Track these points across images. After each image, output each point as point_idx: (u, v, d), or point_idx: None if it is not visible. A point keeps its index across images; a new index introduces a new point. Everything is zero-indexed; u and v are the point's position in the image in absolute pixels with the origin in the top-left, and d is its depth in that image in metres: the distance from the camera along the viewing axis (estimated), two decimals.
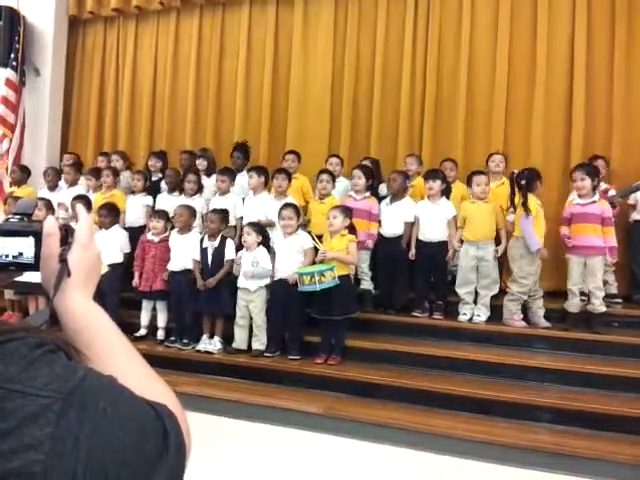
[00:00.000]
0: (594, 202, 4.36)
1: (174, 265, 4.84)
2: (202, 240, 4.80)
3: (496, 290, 4.59)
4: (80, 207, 0.79)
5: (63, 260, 0.69)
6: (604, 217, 4.33)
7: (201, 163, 5.96)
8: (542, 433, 3.52)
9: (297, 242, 4.55)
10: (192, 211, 5.04)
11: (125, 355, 0.67)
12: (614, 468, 3.12)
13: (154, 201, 5.75)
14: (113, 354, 0.66)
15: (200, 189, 5.56)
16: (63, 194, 5.84)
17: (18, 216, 0.73)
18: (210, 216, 4.79)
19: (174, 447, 0.55)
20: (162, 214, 5.09)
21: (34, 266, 0.71)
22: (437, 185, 4.75)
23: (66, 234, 0.72)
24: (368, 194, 4.97)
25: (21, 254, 0.70)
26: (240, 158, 5.88)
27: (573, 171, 4.52)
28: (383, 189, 5.33)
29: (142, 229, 5.54)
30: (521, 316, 4.45)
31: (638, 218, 4.97)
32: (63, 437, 0.48)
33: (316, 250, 4.47)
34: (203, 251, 4.75)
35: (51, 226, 0.71)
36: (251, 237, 4.57)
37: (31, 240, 0.70)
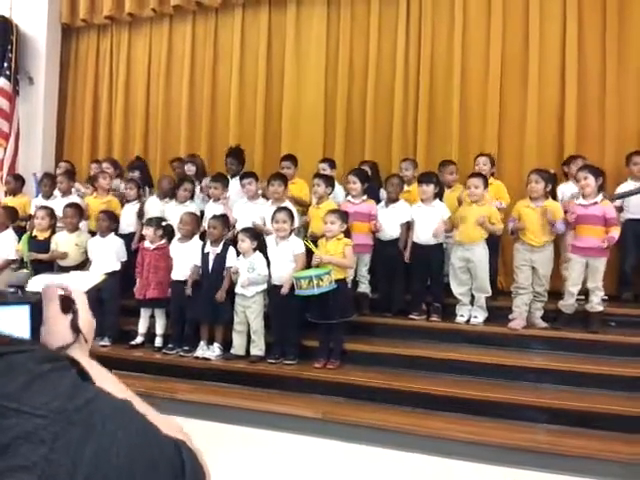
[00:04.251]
0: (596, 203, 4.34)
1: (176, 274, 4.83)
2: (203, 246, 4.78)
3: (489, 291, 4.60)
4: (70, 289, 0.83)
5: (77, 329, 0.75)
6: (607, 218, 4.30)
7: (189, 169, 5.94)
8: (539, 433, 3.53)
9: (289, 248, 4.54)
10: (198, 219, 5.04)
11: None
12: (609, 467, 3.13)
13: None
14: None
15: (192, 196, 5.56)
16: (58, 202, 5.82)
17: (12, 289, 0.77)
18: (211, 222, 4.76)
19: (191, 477, 0.52)
20: (153, 221, 5.08)
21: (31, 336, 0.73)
22: (430, 189, 4.75)
23: (65, 302, 0.77)
24: (366, 197, 4.97)
25: (15, 326, 0.70)
26: (234, 164, 5.81)
27: (578, 171, 4.53)
28: (383, 193, 5.31)
29: (133, 236, 5.55)
30: (523, 316, 4.41)
31: (629, 217, 4.99)
32: (59, 460, 0.45)
33: (312, 253, 4.46)
34: (204, 257, 4.73)
35: (52, 293, 0.76)
36: (246, 243, 4.56)
37: (27, 310, 0.73)
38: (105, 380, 0.67)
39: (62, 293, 0.78)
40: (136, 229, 5.62)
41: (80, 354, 0.72)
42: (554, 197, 4.72)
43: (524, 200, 4.60)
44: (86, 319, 0.78)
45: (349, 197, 5.04)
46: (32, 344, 0.55)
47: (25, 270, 4.93)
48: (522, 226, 4.47)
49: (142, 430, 0.52)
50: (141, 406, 0.62)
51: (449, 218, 4.72)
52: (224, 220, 4.84)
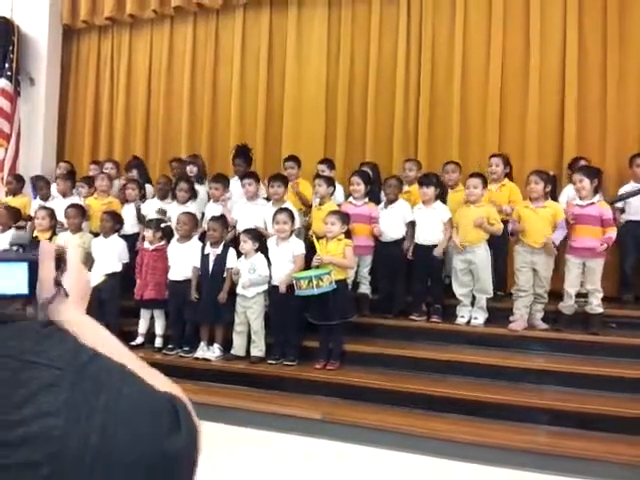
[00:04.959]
0: (593, 204, 4.36)
1: (174, 274, 4.83)
2: (203, 247, 4.77)
3: (490, 293, 4.59)
4: (67, 239, 0.84)
5: (58, 283, 0.75)
6: (604, 218, 4.32)
7: (191, 170, 5.94)
8: (540, 435, 3.52)
9: (289, 249, 4.53)
10: (195, 219, 5.03)
11: (125, 356, 0.69)
12: (611, 468, 3.13)
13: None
14: (113, 354, 0.68)
15: (193, 196, 5.55)
16: (57, 203, 5.82)
17: (15, 246, 0.78)
18: (211, 224, 4.76)
19: (185, 427, 0.58)
20: (152, 223, 5.07)
21: (28, 295, 0.74)
22: (431, 191, 4.74)
23: (59, 261, 0.78)
24: (367, 199, 4.97)
25: (15, 282, 0.74)
26: (242, 165, 5.79)
27: (573, 173, 4.55)
28: (384, 196, 5.31)
29: (136, 236, 5.55)
30: (524, 317, 4.41)
31: (630, 219, 4.99)
32: (78, 405, 0.50)
33: (314, 252, 4.45)
34: (204, 258, 4.73)
35: (48, 252, 0.77)
36: (248, 244, 4.56)
37: (25, 267, 0.74)
38: (98, 338, 0.71)
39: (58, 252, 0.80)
40: (140, 229, 5.61)
41: (65, 309, 0.73)
42: (554, 198, 4.72)
43: (524, 201, 4.61)
44: (75, 276, 0.79)
45: (351, 198, 5.04)
46: (27, 315, 0.60)
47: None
48: (521, 228, 4.47)
49: (141, 386, 0.58)
50: (136, 363, 0.68)
51: (449, 220, 4.72)
52: (223, 221, 4.84)
